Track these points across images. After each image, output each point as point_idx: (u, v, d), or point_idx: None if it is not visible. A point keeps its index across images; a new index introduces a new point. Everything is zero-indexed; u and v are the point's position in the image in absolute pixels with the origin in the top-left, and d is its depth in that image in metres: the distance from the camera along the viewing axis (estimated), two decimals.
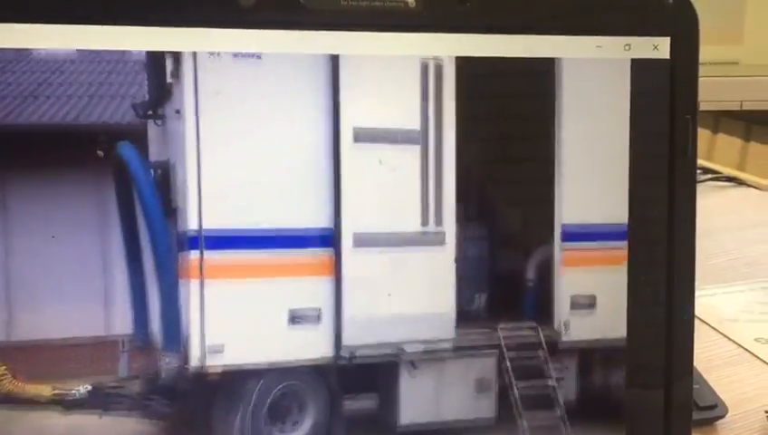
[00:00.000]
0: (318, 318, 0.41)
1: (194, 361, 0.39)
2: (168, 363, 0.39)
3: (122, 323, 0.39)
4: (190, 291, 0.39)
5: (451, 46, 0.41)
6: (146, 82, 0.39)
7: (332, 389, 0.42)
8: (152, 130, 0.40)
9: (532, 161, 0.44)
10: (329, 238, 0.41)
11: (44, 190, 0.39)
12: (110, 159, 0.39)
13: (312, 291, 0.41)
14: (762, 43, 0.98)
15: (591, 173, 0.44)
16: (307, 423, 0.42)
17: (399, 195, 0.42)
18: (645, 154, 0.44)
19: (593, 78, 0.43)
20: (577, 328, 0.44)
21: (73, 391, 0.39)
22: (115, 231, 0.40)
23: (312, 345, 0.41)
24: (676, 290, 0.44)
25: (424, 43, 0.41)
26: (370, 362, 0.42)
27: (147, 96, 0.39)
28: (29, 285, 0.38)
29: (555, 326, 0.44)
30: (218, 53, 0.39)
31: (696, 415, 0.49)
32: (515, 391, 0.43)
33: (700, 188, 0.55)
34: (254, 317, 0.40)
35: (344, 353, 0.41)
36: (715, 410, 0.55)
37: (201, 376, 0.40)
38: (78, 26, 0.37)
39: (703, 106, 0.45)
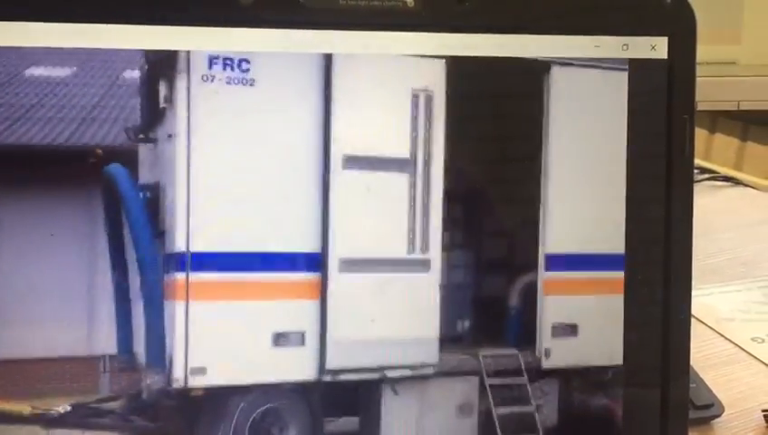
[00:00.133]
0: (302, 341, 0.41)
1: (177, 381, 0.39)
2: (150, 383, 0.39)
3: (106, 342, 0.39)
4: (175, 312, 0.39)
5: (450, 46, 0.41)
6: (138, 106, 0.39)
7: (314, 411, 0.42)
8: (143, 152, 0.40)
9: (520, 189, 0.45)
10: (315, 262, 0.41)
11: (30, 209, 0.39)
12: (99, 179, 0.39)
13: (297, 314, 0.41)
14: (759, 44, 0.98)
15: (581, 198, 0.44)
16: None
17: (386, 221, 0.42)
18: (642, 154, 0.44)
19: (588, 91, 0.43)
20: (558, 355, 0.44)
21: (53, 411, 0.39)
22: (102, 251, 0.40)
23: (295, 367, 0.41)
24: (673, 289, 0.44)
25: (422, 43, 0.41)
26: (353, 385, 0.42)
27: (139, 120, 0.40)
28: (12, 303, 0.38)
29: (537, 353, 0.44)
30: (211, 78, 0.39)
31: (692, 414, 0.48)
32: (496, 415, 0.43)
33: (697, 187, 0.55)
34: (239, 339, 0.40)
35: (327, 377, 0.41)
36: (711, 409, 0.54)
37: (183, 395, 0.40)
38: (75, 25, 0.37)
39: (700, 106, 0.45)
